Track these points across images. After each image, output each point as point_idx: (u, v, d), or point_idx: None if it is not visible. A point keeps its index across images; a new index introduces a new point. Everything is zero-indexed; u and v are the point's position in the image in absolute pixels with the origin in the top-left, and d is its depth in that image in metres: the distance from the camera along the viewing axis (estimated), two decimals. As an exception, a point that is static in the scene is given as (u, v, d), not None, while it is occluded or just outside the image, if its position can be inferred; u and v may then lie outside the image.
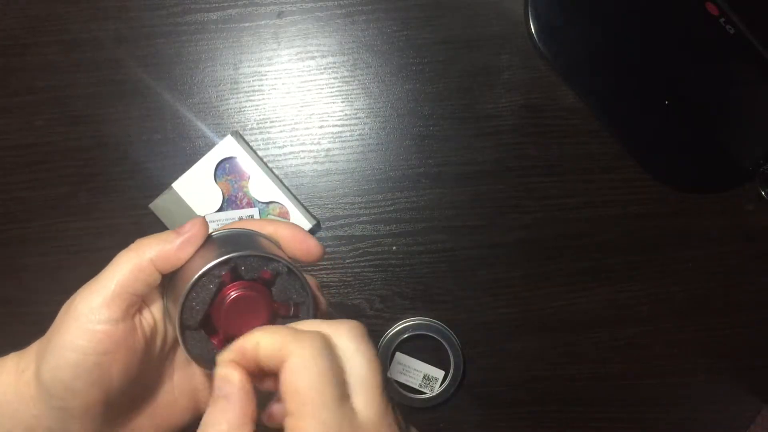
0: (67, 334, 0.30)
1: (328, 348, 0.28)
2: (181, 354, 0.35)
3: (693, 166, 0.57)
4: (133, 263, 0.31)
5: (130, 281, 0.31)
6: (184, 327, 0.31)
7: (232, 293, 0.31)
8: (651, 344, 0.57)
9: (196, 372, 0.36)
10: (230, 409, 0.28)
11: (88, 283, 0.31)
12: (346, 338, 0.29)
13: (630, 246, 0.57)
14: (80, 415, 0.31)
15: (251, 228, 0.35)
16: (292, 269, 0.32)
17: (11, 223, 0.56)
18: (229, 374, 0.28)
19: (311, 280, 0.34)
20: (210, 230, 0.33)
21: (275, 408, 0.30)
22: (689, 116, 0.56)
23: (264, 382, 0.30)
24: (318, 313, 0.33)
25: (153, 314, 0.33)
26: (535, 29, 0.55)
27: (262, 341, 0.28)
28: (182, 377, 0.36)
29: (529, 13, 0.55)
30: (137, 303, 0.32)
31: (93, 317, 0.30)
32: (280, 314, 0.33)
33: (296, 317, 0.33)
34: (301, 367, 0.27)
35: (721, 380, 0.57)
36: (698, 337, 0.57)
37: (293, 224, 0.36)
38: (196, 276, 0.30)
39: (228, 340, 0.31)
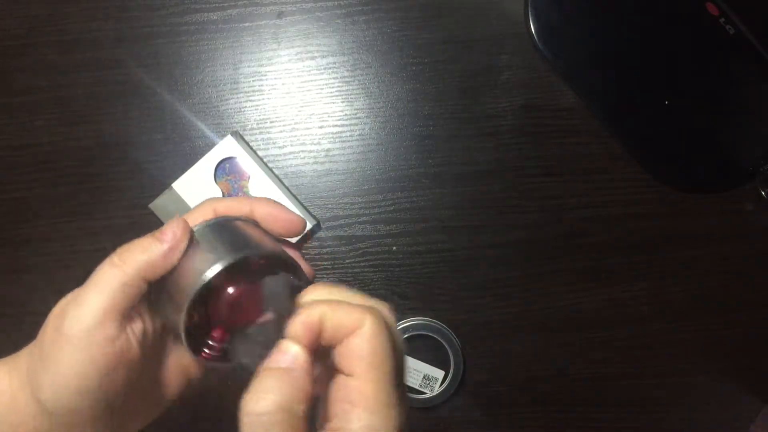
0: (65, 361, 0.29)
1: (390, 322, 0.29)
2: (167, 336, 0.35)
3: (693, 166, 0.57)
4: (120, 281, 0.30)
5: (119, 299, 0.30)
6: (187, 332, 0.31)
7: (230, 291, 0.31)
8: (651, 344, 0.57)
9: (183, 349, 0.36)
10: (288, 381, 0.27)
11: (73, 300, 0.30)
12: (388, 316, 0.30)
13: (630, 246, 0.57)
14: (86, 426, 0.31)
15: (228, 211, 0.34)
16: (287, 260, 0.32)
17: (11, 224, 0.56)
18: (292, 348, 0.28)
19: (296, 255, 0.34)
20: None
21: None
22: (689, 116, 0.56)
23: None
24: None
25: (141, 316, 0.33)
26: (535, 29, 0.54)
27: (329, 314, 0.28)
28: (174, 357, 0.36)
29: (529, 13, 0.55)
30: (128, 315, 0.31)
31: (89, 341, 0.29)
32: (276, 301, 0.32)
33: (291, 301, 0.32)
34: (376, 334, 0.27)
35: (721, 380, 0.57)
36: (698, 337, 0.57)
37: (269, 200, 0.35)
38: (195, 292, 0.30)
39: (228, 332, 0.32)
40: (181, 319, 0.30)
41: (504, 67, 0.56)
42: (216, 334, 0.32)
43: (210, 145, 0.55)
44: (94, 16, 0.56)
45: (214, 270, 0.30)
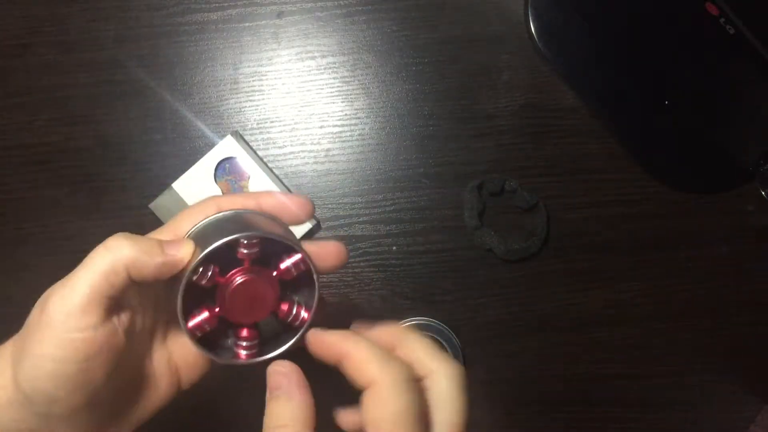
0: (44, 344, 0.28)
1: (413, 382, 0.27)
2: (158, 333, 0.35)
3: (693, 166, 0.57)
4: (107, 266, 0.29)
5: (105, 286, 0.29)
6: (186, 318, 0.31)
7: (237, 278, 0.31)
8: (651, 344, 0.57)
9: (175, 349, 0.35)
10: (293, 406, 0.27)
11: (60, 283, 0.29)
12: (447, 381, 0.28)
13: (630, 246, 0.57)
14: (66, 419, 0.30)
15: (232, 206, 0.33)
16: (309, 264, 0.31)
17: (11, 223, 0.56)
18: (287, 367, 0.29)
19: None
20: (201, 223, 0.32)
21: (345, 415, 0.30)
22: (689, 116, 0.56)
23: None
24: (319, 313, 0.33)
25: (131, 308, 0.32)
26: (535, 29, 0.55)
27: (354, 354, 0.28)
28: (161, 356, 0.35)
29: (529, 13, 0.55)
30: (115, 302, 0.30)
31: (70, 325, 0.28)
32: (282, 310, 0.32)
33: (297, 317, 0.32)
34: (385, 398, 0.26)
35: (721, 380, 0.57)
36: (698, 337, 0.57)
37: (271, 192, 0.34)
38: (198, 260, 0.29)
39: (229, 325, 0.31)
40: (178, 308, 0.30)
41: (504, 67, 0.56)
42: (215, 321, 0.31)
43: (210, 145, 0.55)
44: (94, 16, 0.56)
45: (218, 241, 0.29)
